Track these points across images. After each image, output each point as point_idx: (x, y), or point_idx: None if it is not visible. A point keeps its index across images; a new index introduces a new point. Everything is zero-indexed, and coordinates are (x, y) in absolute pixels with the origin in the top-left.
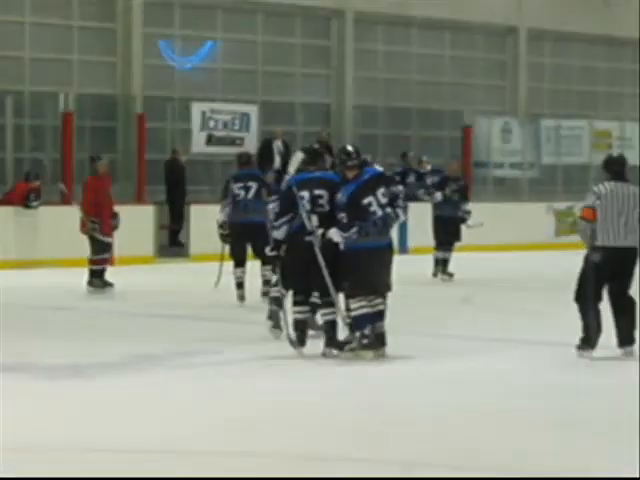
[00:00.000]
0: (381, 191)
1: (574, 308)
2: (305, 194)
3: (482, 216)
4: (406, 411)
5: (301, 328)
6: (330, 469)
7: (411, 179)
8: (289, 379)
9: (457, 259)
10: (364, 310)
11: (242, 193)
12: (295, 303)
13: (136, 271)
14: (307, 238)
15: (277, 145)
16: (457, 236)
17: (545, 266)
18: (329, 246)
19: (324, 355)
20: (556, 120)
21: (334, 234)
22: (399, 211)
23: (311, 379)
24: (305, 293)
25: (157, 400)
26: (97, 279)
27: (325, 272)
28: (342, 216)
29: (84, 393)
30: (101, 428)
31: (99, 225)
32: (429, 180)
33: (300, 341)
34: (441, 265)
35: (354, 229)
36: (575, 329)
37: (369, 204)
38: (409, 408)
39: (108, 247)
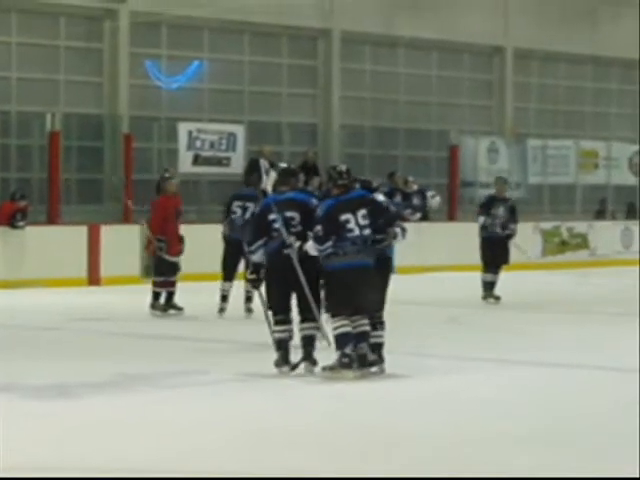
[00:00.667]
0: (362, 212)
1: (562, 327)
2: (277, 216)
3: (468, 236)
4: (398, 431)
5: (284, 347)
6: None
7: (397, 199)
8: (280, 399)
9: (444, 279)
10: (345, 329)
11: (239, 211)
12: (276, 323)
13: (122, 291)
14: (285, 251)
15: (263, 164)
16: (505, 258)
17: (532, 286)
18: (307, 261)
19: (292, 368)
20: (543, 140)
21: (310, 247)
22: (397, 230)
23: (299, 399)
24: (286, 313)
25: (146, 420)
26: (159, 302)
27: (305, 285)
28: (318, 229)
29: (73, 413)
30: (91, 448)
31: (165, 244)
32: (415, 200)
33: (283, 360)
34: (489, 288)
35: (329, 242)
36: (563, 347)
37: (346, 221)
38: (401, 428)
39: (174, 268)
